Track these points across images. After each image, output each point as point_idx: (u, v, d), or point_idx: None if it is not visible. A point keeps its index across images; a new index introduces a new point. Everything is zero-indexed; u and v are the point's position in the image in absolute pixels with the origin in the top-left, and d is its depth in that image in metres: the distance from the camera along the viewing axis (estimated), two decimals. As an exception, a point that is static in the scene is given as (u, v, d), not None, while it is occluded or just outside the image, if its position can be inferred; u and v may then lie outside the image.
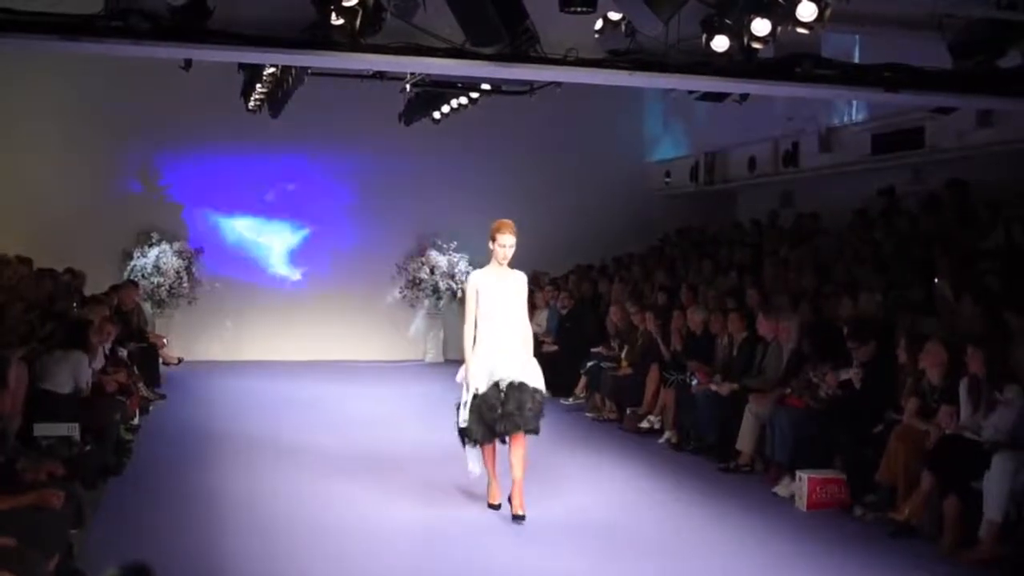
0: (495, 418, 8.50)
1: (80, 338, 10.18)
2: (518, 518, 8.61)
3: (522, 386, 8.59)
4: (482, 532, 8.48)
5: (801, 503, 9.34)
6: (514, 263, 9.11)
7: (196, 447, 11.46)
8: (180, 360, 16.70)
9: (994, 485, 7.63)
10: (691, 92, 10.90)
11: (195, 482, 9.83)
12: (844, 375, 9.79)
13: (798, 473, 9.48)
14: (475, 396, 8.59)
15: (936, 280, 11.12)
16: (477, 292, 8.87)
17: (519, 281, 9.04)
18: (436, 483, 9.96)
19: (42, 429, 8.87)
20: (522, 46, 8.10)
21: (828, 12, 7.32)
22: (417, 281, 19.28)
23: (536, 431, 8.63)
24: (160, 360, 15.57)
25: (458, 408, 8.76)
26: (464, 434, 8.75)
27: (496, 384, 8.57)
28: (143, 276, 17.96)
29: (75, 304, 13.28)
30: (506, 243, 8.96)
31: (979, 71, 8.77)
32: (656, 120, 20.89)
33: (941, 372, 8.74)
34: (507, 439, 8.67)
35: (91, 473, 8.97)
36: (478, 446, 8.79)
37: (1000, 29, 8.42)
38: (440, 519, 8.79)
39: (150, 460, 10.65)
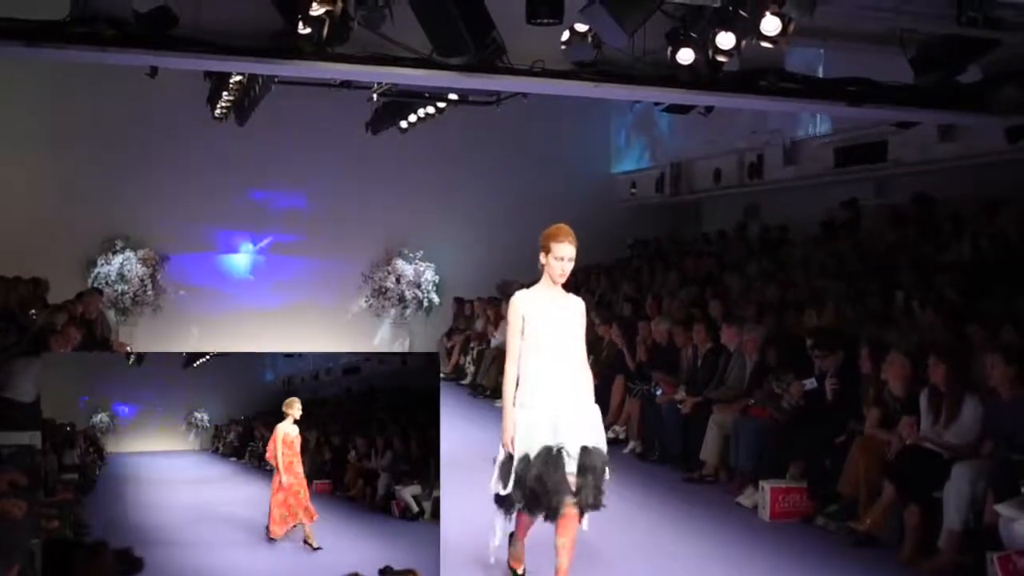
0: (550, 490, 6.54)
1: (42, 346, 10.09)
2: None
3: (591, 451, 6.64)
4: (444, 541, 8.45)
5: (764, 513, 9.40)
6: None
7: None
8: (144, 368, 16.59)
9: (954, 495, 7.71)
10: (657, 104, 10.97)
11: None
12: (808, 385, 9.86)
13: (761, 483, 9.53)
14: (522, 459, 6.60)
15: (897, 292, 11.23)
16: (523, 319, 6.79)
17: (578, 308, 6.95)
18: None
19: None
20: (489, 57, 8.15)
21: (792, 26, 7.40)
22: (383, 290, 19.27)
23: (599, 506, 6.73)
24: (124, 369, 15.44)
25: (495, 465, 6.87)
26: (502, 503, 6.79)
27: (555, 447, 6.57)
28: (107, 284, 17.86)
29: (33, 312, 13.18)
30: (565, 255, 6.73)
31: (940, 86, 8.90)
32: (622, 131, 21.01)
33: (903, 383, 8.82)
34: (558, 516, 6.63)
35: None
36: (513, 515, 6.90)
37: (961, 45, 8.55)
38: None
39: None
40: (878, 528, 8.42)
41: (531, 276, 20.46)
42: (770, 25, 7.41)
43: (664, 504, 9.96)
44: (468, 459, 11.78)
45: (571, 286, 6.80)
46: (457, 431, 13.46)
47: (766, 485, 9.43)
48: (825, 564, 8.12)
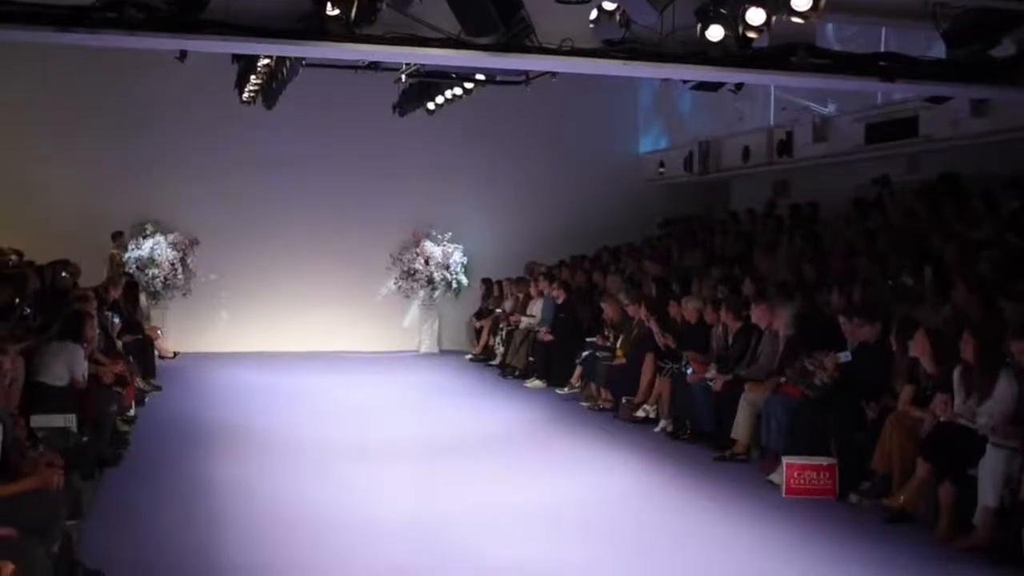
0: None
1: (76, 330, 10.17)
2: None
3: None
4: (476, 522, 8.49)
5: (781, 489, 9.38)
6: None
7: (192, 438, 11.45)
8: (176, 354, 16.82)
9: (989, 471, 7.67)
10: (686, 81, 10.91)
11: (191, 473, 9.84)
12: (843, 358, 9.80)
13: (783, 459, 9.50)
14: None
15: (926, 269, 11.15)
16: None
17: None
18: (430, 473, 10.06)
19: (39, 421, 8.86)
20: (517, 36, 8.12)
21: (823, 1, 7.34)
22: (412, 272, 19.28)
23: None
24: (156, 352, 15.57)
25: None
26: None
27: None
28: (138, 268, 17.97)
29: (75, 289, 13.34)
30: None
31: (973, 60, 8.80)
32: (650, 110, 20.95)
33: (933, 360, 8.77)
34: None
35: (88, 464, 8.97)
36: None
37: (994, 18, 8.45)
38: (434, 509, 8.81)
39: (146, 451, 10.64)
40: (912, 505, 8.40)
41: (557, 257, 20.40)
42: (801, 0, 7.37)
43: (694, 482, 9.95)
44: (496, 441, 11.87)
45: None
46: (485, 413, 13.52)
47: (785, 460, 9.42)
48: (858, 541, 8.09)
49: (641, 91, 20.66)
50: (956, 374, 8.42)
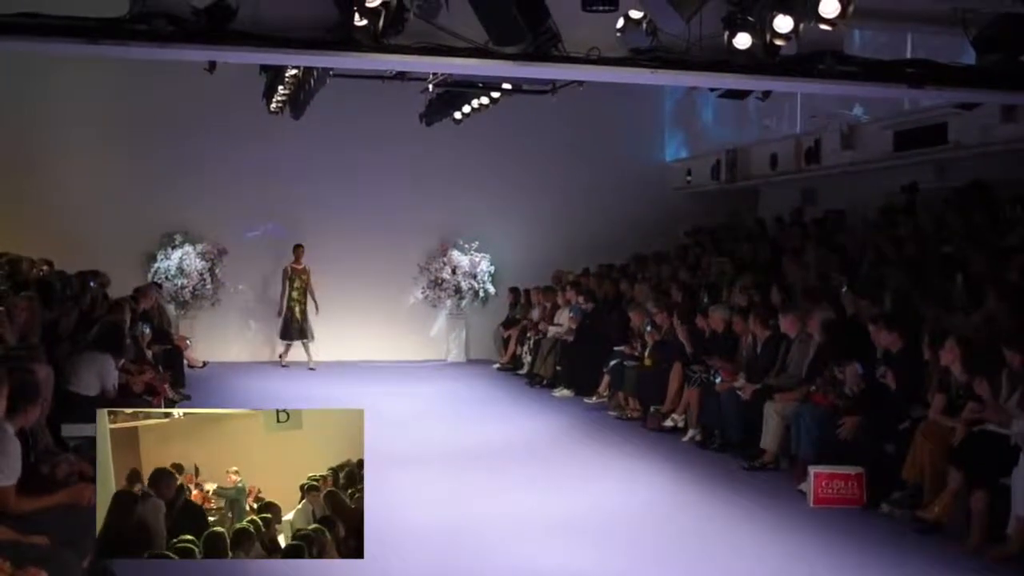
0: None
1: (113, 341, 10.21)
2: None
3: None
4: (506, 529, 8.49)
5: (808, 498, 9.33)
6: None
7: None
8: (205, 363, 16.89)
9: (1021, 480, 7.59)
10: (713, 89, 10.89)
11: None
12: (861, 370, 9.75)
13: (810, 468, 9.45)
14: None
15: (957, 276, 11.08)
16: None
17: None
18: (458, 481, 10.05)
19: (69, 430, 8.89)
20: (544, 45, 8.12)
21: (851, 8, 7.32)
22: (439, 281, 19.30)
23: None
24: (185, 362, 15.64)
25: None
26: None
27: None
28: (167, 278, 18.06)
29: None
30: None
31: (1003, 66, 8.75)
32: (677, 118, 20.91)
33: (962, 368, 8.69)
34: None
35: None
36: None
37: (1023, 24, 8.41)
38: (462, 517, 8.81)
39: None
40: (945, 516, 8.32)
41: (585, 265, 20.22)
42: (829, 7, 7.35)
43: (723, 492, 9.91)
44: (524, 450, 11.86)
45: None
46: (513, 422, 13.52)
47: (812, 470, 9.37)
48: (889, 552, 8.04)
49: (666, 100, 20.65)
50: (1005, 376, 8.32)
